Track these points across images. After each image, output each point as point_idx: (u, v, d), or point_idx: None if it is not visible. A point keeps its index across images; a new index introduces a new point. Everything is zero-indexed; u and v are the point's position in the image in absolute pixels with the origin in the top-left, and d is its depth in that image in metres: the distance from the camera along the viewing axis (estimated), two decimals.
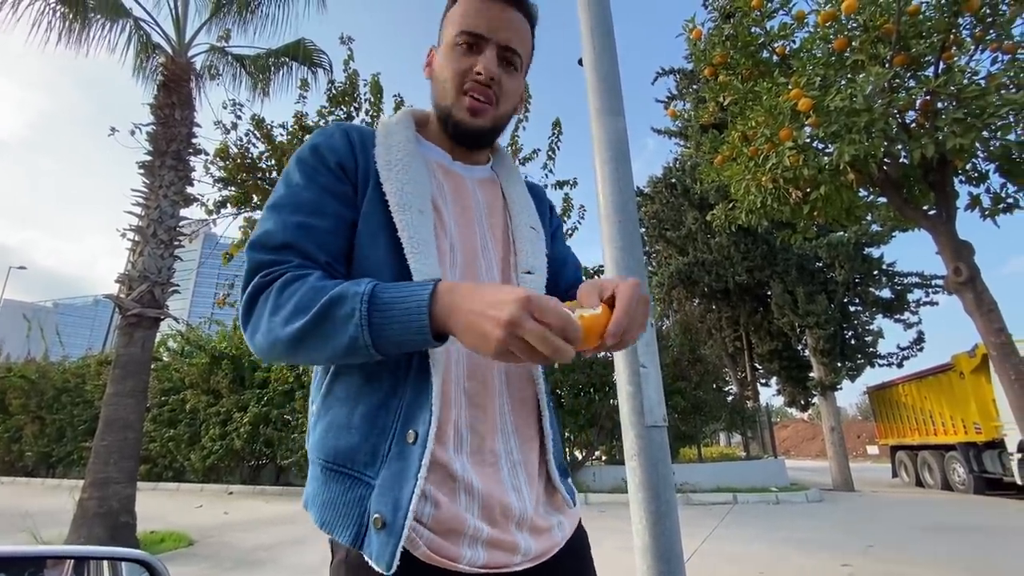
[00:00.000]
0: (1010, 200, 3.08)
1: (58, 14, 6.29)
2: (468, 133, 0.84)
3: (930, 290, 12.12)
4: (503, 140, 1.00)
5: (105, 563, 0.94)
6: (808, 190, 3.19)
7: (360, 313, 0.61)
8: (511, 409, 0.79)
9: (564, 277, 1.00)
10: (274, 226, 0.73)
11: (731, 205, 3.69)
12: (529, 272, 0.85)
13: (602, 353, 0.59)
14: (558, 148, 7.68)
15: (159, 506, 8.29)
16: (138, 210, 6.07)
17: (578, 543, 0.83)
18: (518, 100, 0.89)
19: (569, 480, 0.87)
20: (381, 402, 0.72)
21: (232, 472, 11.63)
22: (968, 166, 3.15)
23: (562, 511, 0.83)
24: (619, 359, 1.67)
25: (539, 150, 7.70)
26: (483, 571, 0.69)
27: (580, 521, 0.87)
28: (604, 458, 10.81)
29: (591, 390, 9.97)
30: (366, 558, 0.65)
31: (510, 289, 0.58)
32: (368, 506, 0.67)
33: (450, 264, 0.79)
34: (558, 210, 1.18)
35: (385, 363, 0.72)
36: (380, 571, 0.63)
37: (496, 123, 0.86)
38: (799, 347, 13.37)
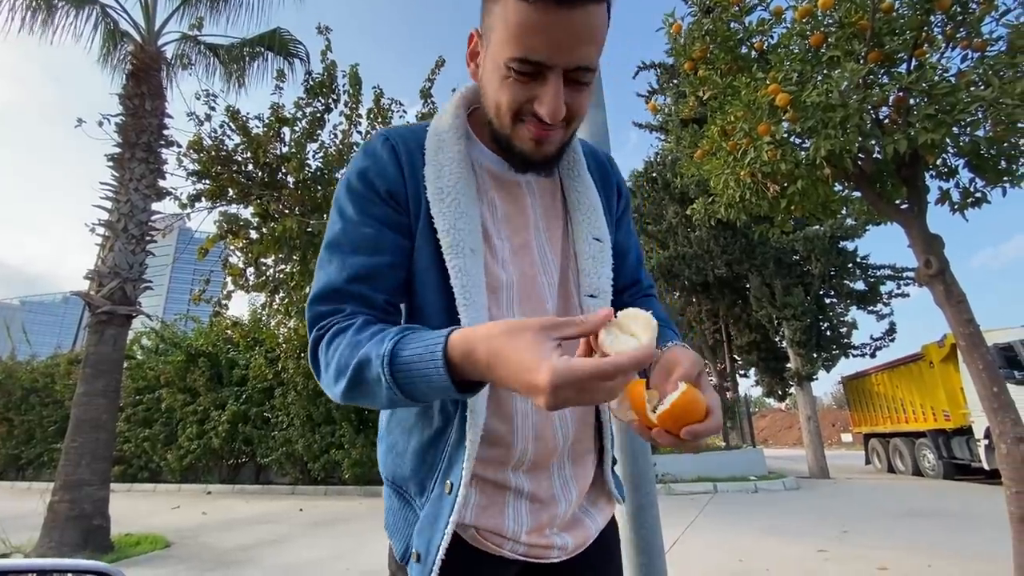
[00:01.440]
0: (978, 195, 3.15)
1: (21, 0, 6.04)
2: (534, 163, 0.74)
3: (902, 282, 12.46)
4: None
5: (70, 575, 0.91)
6: (785, 184, 3.23)
7: (385, 377, 0.60)
8: (573, 431, 0.79)
9: (623, 274, 0.90)
10: (328, 273, 0.72)
11: (711, 199, 3.72)
12: (593, 296, 0.79)
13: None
14: None
15: (134, 508, 8.11)
16: (107, 204, 5.89)
17: (608, 533, 0.86)
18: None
19: (618, 477, 0.89)
20: (431, 439, 0.75)
21: (210, 471, 11.44)
22: (939, 161, 3.22)
23: (598, 504, 0.86)
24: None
25: None
26: (522, 559, 0.75)
27: (614, 514, 0.90)
28: None
29: None
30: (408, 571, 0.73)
31: (534, 365, 0.49)
32: (412, 535, 0.74)
33: (506, 302, 0.75)
34: None
35: (436, 401, 0.73)
36: None
37: (563, 142, 0.74)
38: (777, 339, 13.63)
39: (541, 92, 0.65)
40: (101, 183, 5.90)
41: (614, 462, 0.89)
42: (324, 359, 0.68)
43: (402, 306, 0.77)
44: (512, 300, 0.76)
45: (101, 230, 5.83)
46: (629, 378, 0.52)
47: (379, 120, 8.09)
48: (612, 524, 0.88)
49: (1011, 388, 3.03)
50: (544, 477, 0.77)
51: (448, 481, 0.71)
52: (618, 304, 0.74)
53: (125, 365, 8.22)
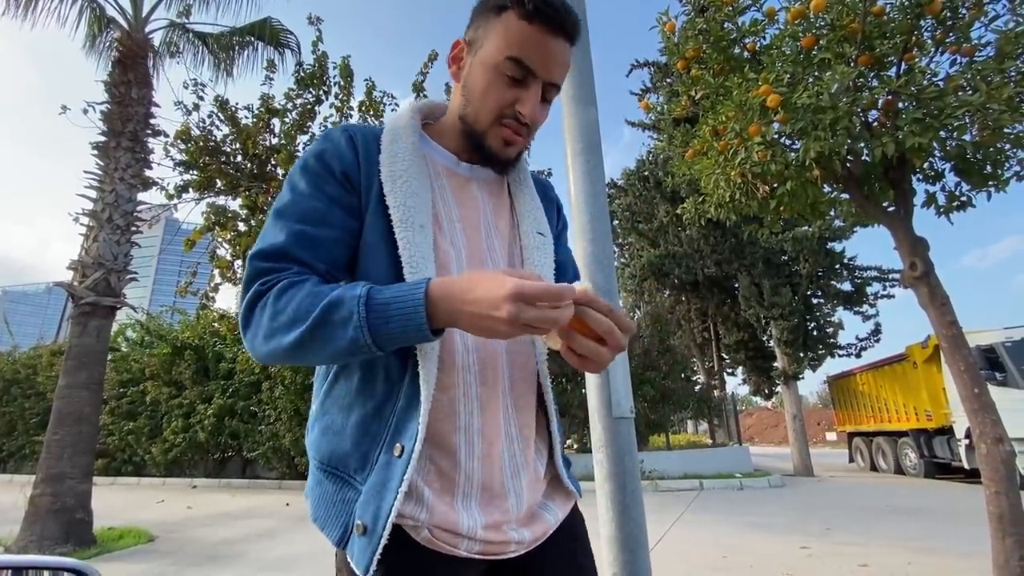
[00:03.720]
0: (964, 198, 3.19)
1: None
2: (498, 161, 0.84)
3: (887, 284, 12.63)
4: None
5: (46, 572, 0.90)
6: (775, 185, 3.25)
7: (359, 315, 0.64)
8: (516, 414, 0.80)
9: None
10: (275, 235, 0.74)
11: (701, 199, 3.73)
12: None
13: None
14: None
15: (118, 501, 8.02)
16: (92, 193, 5.78)
17: (572, 525, 0.86)
18: None
19: (571, 471, 0.90)
20: (375, 409, 0.74)
21: (196, 465, 11.33)
22: (926, 165, 3.25)
23: (555, 497, 0.86)
24: None
25: None
26: (479, 556, 0.73)
27: (576, 504, 0.89)
28: (576, 447, 10.96)
29: (563, 380, 10.06)
30: (348, 559, 0.70)
31: (499, 282, 0.60)
32: (354, 510, 0.71)
33: (453, 272, 0.80)
34: None
35: (380, 371, 0.74)
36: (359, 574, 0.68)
37: (524, 149, 0.87)
38: (764, 338, 13.76)
39: (524, 96, 0.78)
40: (85, 172, 5.80)
41: (568, 463, 0.90)
42: (271, 309, 0.69)
43: (342, 283, 0.74)
44: (462, 267, 0.80)
45: (85, 220, 5.73)
46: (571, 310, 0.61)
47: (371, 113, 8.02)
48: (575, 513, 0.89)
49: (992, 389, 3.08)
50: (493, 463, 0.76)
51: (398, 444, 0.70)
52: None
53: (109, 357, 8.11)
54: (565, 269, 0.97)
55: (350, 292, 0.65)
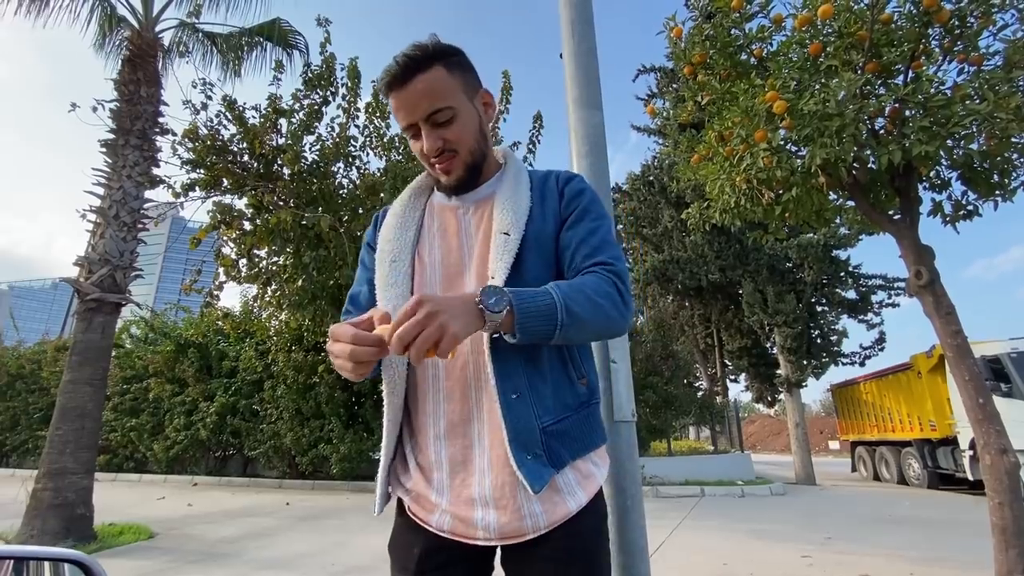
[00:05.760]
0: (970, 207, 3.17)
1: None
2: (454, 188, 1.02)
3: (892, 292, 12.55)
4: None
5: (46, 564, 0.91)
6: (780, 191, 3.24)
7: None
8: (486, 405, 0.90)
9: (569, 266, 0.97)
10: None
11: (706, 204, 3.72)
12: (492, 277, 0.92)
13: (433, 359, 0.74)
14: (539, 141, 7.65)
15: (119, 498, 8.04)
16: (100, 190, 5.82)
17: (574, 527, 0.88)
18: (475, 126, 0.99)
19: (541, 463, 0.86)
20: (393, 412, 0.97)
21: (197, 463, 11.36)
22: (932, 173, 3.24)
23: (543, 500, 0.86)
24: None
25: (519, 143, 7.67)
26: (450, 536, 0.88)
27: (586, 508, 0.89)
28: None
29: None
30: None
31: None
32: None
33: (429, 282, 1.00)
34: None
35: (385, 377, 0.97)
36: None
37: (467, 163, 0.99)
38: (768, 345, 13.70)
39: (420, 141, 0.96)
40: (93, 169, 5.84)
41: (559, 460, 0.88)
42: None
43: None
44: (435, 276, 1.01)
45: (92, 216, 5.76)
46: (344, 346, 0.76)
47: (377, 115, 8.04)
48: (577, 522, 0.88)
49: (996, 400, 3.06)
50: (459, 436, 0.91)
51: (384, 442, 1.00)
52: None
53: (113, 354, 8.15)
54: (569, 247, 0.98)
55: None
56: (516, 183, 1.02)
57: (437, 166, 0.98)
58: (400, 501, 0.97)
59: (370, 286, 1.04)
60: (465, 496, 0.88)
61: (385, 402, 0.96)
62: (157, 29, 6.41)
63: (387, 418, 0.95)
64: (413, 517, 0.93)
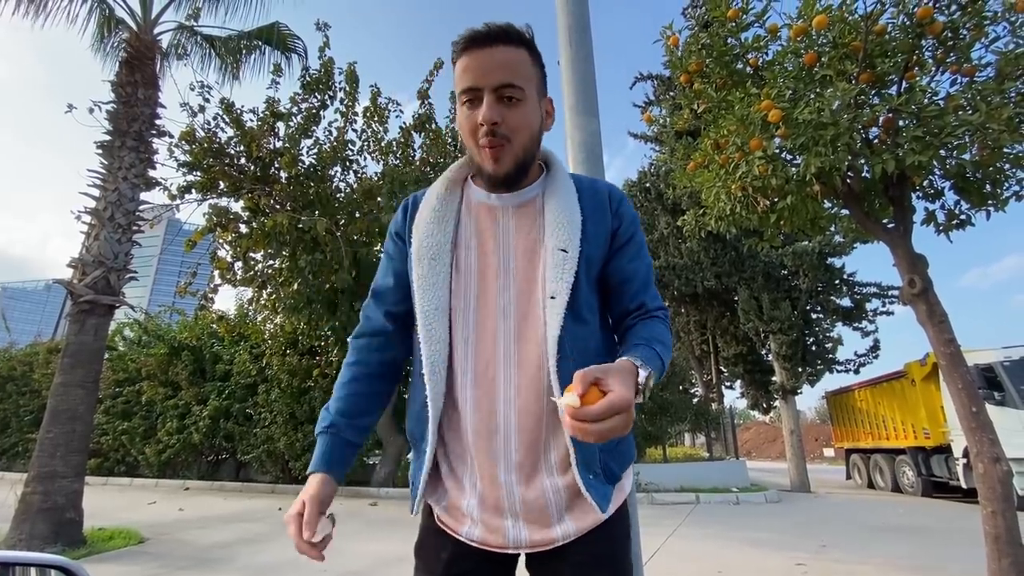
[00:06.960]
0: (963, 217, 3.20)
1: None
2: (496, 180, 0.92)
3: (886, 300, 12.62)
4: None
5: (33, 570, 0.90)
6: (775, 199, 3.26)
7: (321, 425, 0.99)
8: (517, 419, 0.89)
9: (623, 300, 0.99)
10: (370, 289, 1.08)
11: (702, 211, 3.74)
12: (552, 297, 0.89)
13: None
14: None
15: (109, 502, 7.96)
16: (95, 192, 5.79)
17: (602, 533, 0.89)
18: (536, 124, 0.92)
19: (601, 481, 0.90)
20: (422, 405, 0.93)
21: (189, 467, 11.25)
22: (925, 183, 3.27)
23: (573, 510, 0.89)
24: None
25: None
26: (479, 545, 0.88)
27: (612, 518, 0.91)
28: None
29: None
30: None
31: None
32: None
33: (464, 291, 0.95)
34: None
35: (419, 375, 0.94)
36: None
37: (518, 159, 0.91)
38: (763, 351, 13.73)
39: (480, 110, 0.87)
40: (89, 170, 5.81)
41: (614, 476, 0.92)
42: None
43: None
44: (470, 290, 0.95)
45: (87, 218, 5.73)
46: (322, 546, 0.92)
47: (375, 119, 8.05)
48: (602, 531, 0.89)
49: (989, 409, 3.08)
50: (490, 455, 0.88)
51: (423, 444, 0.97)
52: (620, 328, 0.99)
53: (106, 356, 8.08)
54: (627, 281, 0.98)
55: (324, 411, 1.00)
56: (566, 192, 0.98)
57: (486, 148, 0.88)
58: (428, 505, 0.96)
59: (396, 279, 1.01)
60: (497, 507, 0.88)
61: (429, 396, 0.91)
62: (155, 31, 6.40)
63: (431, 415, 0.91)
64: (442, 526, 0.93)
